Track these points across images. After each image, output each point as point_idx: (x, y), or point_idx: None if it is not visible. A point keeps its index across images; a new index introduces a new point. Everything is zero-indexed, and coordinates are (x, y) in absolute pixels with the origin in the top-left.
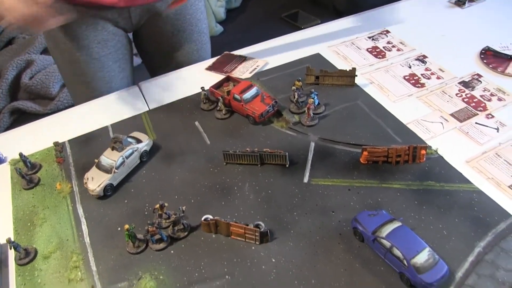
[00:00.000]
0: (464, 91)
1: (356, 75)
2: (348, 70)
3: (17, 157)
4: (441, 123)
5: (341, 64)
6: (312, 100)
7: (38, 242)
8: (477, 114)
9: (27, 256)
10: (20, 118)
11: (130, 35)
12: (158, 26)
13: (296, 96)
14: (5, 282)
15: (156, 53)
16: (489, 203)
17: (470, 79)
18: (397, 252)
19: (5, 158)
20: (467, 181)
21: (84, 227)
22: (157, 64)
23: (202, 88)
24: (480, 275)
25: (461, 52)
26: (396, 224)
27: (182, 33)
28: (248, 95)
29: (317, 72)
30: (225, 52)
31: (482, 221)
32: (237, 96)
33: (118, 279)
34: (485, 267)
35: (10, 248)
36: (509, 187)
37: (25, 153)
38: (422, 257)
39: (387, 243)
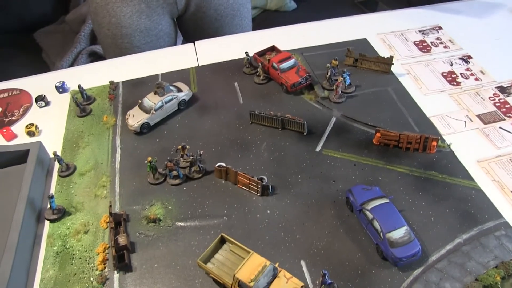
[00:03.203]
0: (498, 96)
1: (393, 63)
2: (386, 57)
3: (77, 89)
4: (465, 121)
5: (384, 52)
6: (342, 79)
7: (79, 161)
8: (504, 119)
9: (67, 170)
10: (96, 61)
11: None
12: (202, 11)
13: (329, 73)
14: (48, 188)
15: (199, 37)
16: (484, 202)
17: (509, 85)
18: (376, 224)
19: (68, 88)
20: (470, 178)
21: (118, 155)
22: None
23: (246, 53)
24: (451, 262)
25: (509, 57)
26: (384, 201)
27: (225, 18)
28: (285, 65)
29: (356, 55)
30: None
31: (471, 217)
32: (275, 65)
33: (134, 202)
34: (459, 256)
35: (55, 161)
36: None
37: (84, 87)
38: (398, 234)
39: (370, 215)
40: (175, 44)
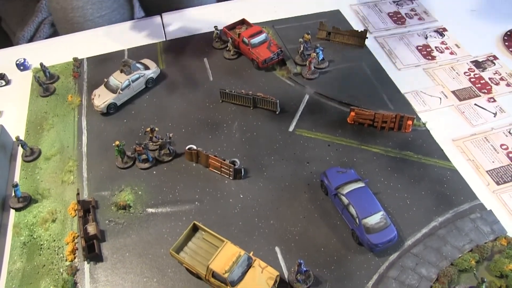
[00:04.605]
0: (473, 71)
1: (367, 37)
2: (359, 31)
3: (39, 66)
4: (440, 98)
5: (357, 25)
6: (315, 54)
7: (43, 144)
8: (479, 96)
9: (32, 155)
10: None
11: None
12: None
13: (302, 48)
14: (12, 174)
15: (159, 9)
16: (460, 183)
17: (484, 59)
18: (352, 210)
19: (30, 65)
20: (445, 159)
21: (84, 138)
22: None
23: (216, 27)
24: (427, 246)
25: (485, 31)
26: (360, 185)
27: None
28: (256, 40)
29: (329, 29)
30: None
31: (447, 198)
32: (245, 40)
33: (103, 187)
34: (434, 240)
35: (18, 145)
36: (487, 172)
37: (47, 64)
38: (374, 219)
39: (345, 200)
40: (132, 18)
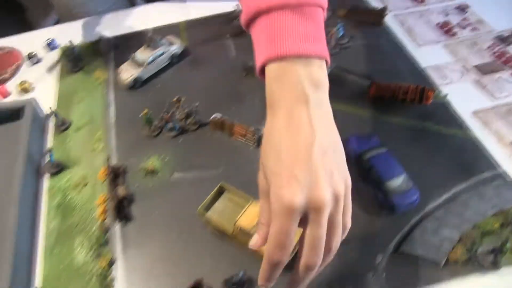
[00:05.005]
0: (498, 45)
1: (387, 14)
2: (378, 8)
3: (68, 45)
4: (461, 72)
5: (376, 3)
6: (335, 29)
7: (74, 116)
8: (503, 69)
9: (63, 125)
10: None
11: None
12: None
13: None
14: (44, 143)
15: None
16: (482, 153)
17: (509, 34)
18: (375, 173)
19: (59, 45)
20: (466, 129)
21: (112, 110)
22: None
23: (238, 5)
24: (449, 210)
25: (509, 5)
26: (382, 150)
27: None
28: None
29: (348, 6)
30: None
31: (468, 167)
32: None
33: (131, 155)
34: (457, 204)
35: (51, 115)
36: (510, 143)
37: (74, 43)
38: (397, 182)
39: (368, 164)
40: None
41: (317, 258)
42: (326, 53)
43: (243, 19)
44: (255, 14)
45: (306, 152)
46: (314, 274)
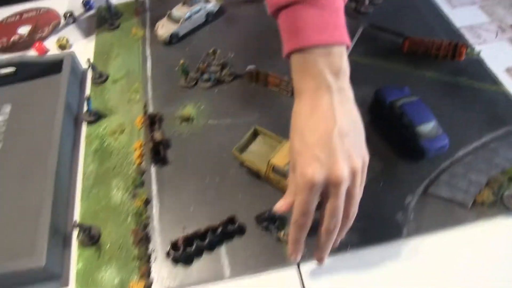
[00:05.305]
0: None
1: None
2: None
3: (104, 4)
4: (497, 31)
5: None
6: None
7: (111, 70)
8: None
9: (101, 78)
10: None
11: None
12: None
13: None
14: (82, 95)
15: None
16: None
17: None
18: (405, 118)
19: (94, 4)
20: (499, 84)
21: (149, 63)
22: None
23: None
24: (478, 157)
25: None
26: (414, 99)
27: None
28: None
29: None
30: None
31: (499, 118)
32: None
33: (167, 104)
34: (486, 152)
35: (88, 68)
36: None
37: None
38: (427, 127)
39: (399, 111)
40: None
41: (335, 224)
42: (345, 38)
43: (269, 11)
44: (277, 8)
45: (327, 136)
46: (334, 239)
